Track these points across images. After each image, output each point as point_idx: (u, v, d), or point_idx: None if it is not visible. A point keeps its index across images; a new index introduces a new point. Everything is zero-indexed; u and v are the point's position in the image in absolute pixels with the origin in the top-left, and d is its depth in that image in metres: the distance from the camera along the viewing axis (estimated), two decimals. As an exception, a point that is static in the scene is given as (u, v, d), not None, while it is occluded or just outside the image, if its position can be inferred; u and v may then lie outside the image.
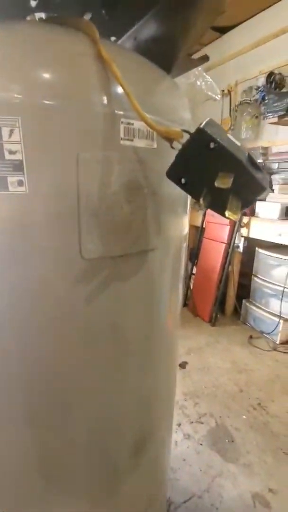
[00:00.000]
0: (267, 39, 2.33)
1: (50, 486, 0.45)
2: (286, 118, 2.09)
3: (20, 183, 0.31)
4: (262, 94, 2.22)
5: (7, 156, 0.30)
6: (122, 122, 0.34)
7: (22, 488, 0.44)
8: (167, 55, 0.44)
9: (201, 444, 1.12)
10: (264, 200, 2.05)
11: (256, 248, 2.09)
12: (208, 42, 2.70)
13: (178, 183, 0.32)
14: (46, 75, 0.30)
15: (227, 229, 2.13)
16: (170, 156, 0.34)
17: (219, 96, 1.23)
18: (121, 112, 0.34)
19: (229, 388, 1.47)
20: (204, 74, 1.16)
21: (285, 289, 1.82)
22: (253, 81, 2.42)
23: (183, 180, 0.31)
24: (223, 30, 2.44)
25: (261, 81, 2.32)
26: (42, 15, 0.41)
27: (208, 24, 0.40)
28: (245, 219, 2.03)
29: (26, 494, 0.45)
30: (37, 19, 0.41)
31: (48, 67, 0.30)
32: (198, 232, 2.34)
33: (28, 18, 0.44)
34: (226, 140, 0.28)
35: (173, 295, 0.51)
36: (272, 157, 2.42)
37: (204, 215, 2.23)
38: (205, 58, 0.48)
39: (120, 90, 0.33)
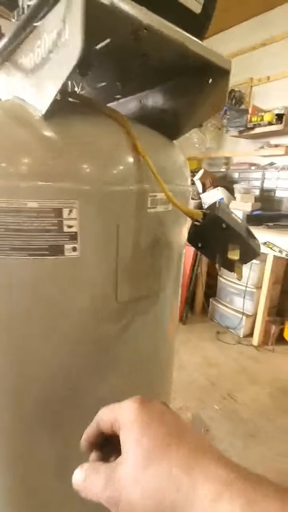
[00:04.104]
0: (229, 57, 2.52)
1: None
2: (246, 133, 2.31)
3: (74, 249, 0.39)
4: (225, 109, 2.39)
5: (66, 229, 0.38)
6: (149, 196, 0.43)
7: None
8: (172, 126, 0.53)
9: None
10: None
11: (222, 252, 2.28)
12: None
13: (196, 246, 0.42)
14: (94, 167, 0.38)
15: (196, 235, 2.28)
16: (180, 214, 0.44)
17: (206, 148, 1.34)
18: (148, 187, 0.43)
19: (202, 382, 1.64)
20: (196, 129, 1.24)
21: (247, 288, 2.04)
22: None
23: (199, 244, 0.42)
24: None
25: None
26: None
27: (208, 116, 0.50)
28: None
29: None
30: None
31: (95, 160, 0.38)
32: (168, 237, 2.47)
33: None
34: (232, 221, 0.39)
35: (173, 311, 0.62)
36: (234, 167, 2.64)
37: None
38: (200, 125, 0.57)
39: (147, 171, 0.41)
